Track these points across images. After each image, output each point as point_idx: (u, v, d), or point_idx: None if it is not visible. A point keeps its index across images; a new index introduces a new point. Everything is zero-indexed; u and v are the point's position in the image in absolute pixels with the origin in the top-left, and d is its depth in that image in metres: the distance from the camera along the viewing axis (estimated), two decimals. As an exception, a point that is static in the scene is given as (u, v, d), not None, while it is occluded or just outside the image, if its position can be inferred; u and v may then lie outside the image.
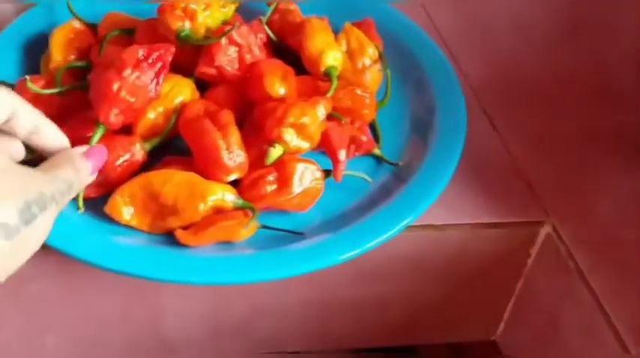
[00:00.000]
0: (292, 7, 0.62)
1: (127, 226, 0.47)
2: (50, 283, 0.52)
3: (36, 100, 0.51)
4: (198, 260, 0.45)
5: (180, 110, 0.51)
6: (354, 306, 0.57)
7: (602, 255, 0.52)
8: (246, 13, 0.59)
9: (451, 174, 0.52)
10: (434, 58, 0.63)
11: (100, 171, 0.47)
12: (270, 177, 0.48)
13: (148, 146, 0.50)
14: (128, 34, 0.57)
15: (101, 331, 0.56)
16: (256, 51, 0.55)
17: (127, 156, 0.49)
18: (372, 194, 0.52)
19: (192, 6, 0.53)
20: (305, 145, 0.50)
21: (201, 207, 0.46)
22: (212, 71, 0.54)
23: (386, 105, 0.57)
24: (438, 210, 0.51)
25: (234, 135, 0.48)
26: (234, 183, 0.48)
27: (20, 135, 0.38)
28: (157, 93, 0.50)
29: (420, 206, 0.49)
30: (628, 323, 0.48)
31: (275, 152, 0.48)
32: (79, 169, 0.38)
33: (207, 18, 0.54)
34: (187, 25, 0.53)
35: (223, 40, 0.53)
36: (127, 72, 0.48)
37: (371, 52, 0.58)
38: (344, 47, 0.58)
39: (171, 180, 0.46)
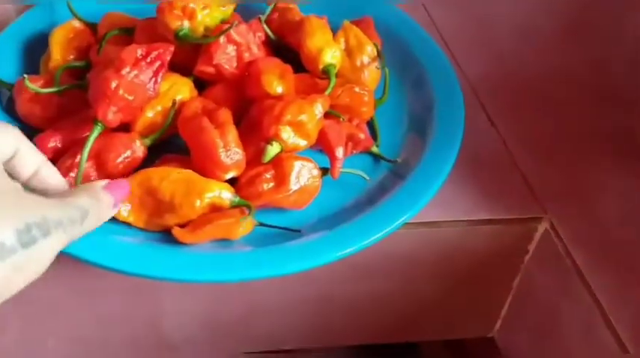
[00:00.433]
0: (291, 5, 0.62)
1: (124, 223, 0.47)
2: (50, 283, 0.52)
3: (35, 100, 0.52)
4: (195, 258, 0.45)
5: (178, 107, 0.51)
6: (352, 303, 0.57)
7: (599, 252, 0.51)
8: (245, 12, 0.60)
9: (448, 171, 0.52)
10: (432, 56, 0.62)
11: (102, 170, 0.48)
12: (268, 175, 0.48)
13: (148, 141, 0.50)
14: (127, 34, 0.57)
15: (100, 330, 0.56)
16: (255, 49, 0.55)
17: (128, 153, 0.49)
18: (369, 191, 0.52)
19: (191, 5, 0.53)
20: (302, 143, 0.50)
21: (198, 204, 0.46)
22: (210, 70, 0.54)
23: (384, 103, 0.57)
24: (435, 207, 0.51)
25: (232, 133, 0.48)
26: (232, 181, 0.48)
27: (22, 176, 0.37)
28: (156, 91, 0.50)
29: (418, 203, 0.49)
30: (625, 320, 0.47)
31: (272, 150, 0.49)
32: (99, 200, 0.37)
33: (206, 17, 0.54)
34: (186, 24, 0.53)
35: (222, 39, 0.53)
36: (126, 70, 0.48)
37: (369, 49, 0.58)
38: (342, 45, 0.58)
39: (169, 177, 0.46)
